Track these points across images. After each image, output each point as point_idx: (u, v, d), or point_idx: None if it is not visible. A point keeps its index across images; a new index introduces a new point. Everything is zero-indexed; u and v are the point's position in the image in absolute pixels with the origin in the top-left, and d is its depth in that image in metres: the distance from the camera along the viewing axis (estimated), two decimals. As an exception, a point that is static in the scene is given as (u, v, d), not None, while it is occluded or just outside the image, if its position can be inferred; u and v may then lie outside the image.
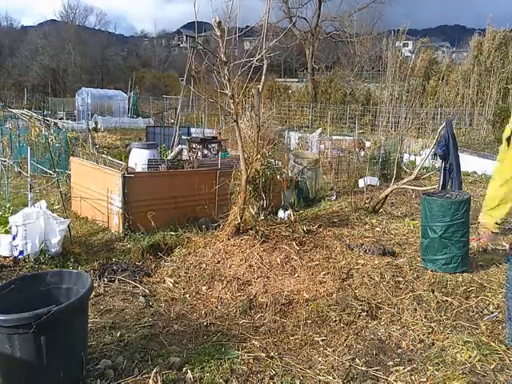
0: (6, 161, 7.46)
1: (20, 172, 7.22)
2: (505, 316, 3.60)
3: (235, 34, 4.89)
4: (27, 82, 35.13)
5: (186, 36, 66.30)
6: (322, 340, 3.47)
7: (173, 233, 5.68)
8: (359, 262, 4.74)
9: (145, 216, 5.88)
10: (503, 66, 21.54)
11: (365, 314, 3.79)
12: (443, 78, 23.78)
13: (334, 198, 8.35)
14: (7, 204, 5.48)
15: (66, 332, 2.49)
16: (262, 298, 4.02)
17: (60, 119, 21.27)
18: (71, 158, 7.81)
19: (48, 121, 14.08)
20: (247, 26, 6.46)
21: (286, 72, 47.71)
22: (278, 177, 5.88)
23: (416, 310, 3.83)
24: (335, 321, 3.70)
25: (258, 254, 4.71)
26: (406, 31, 26.50)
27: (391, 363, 3.11)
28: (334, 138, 14.34)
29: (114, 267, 4.75)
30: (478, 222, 5.26)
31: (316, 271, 4.54)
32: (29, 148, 6.38)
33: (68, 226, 5.07)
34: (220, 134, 11.13)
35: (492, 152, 15.00)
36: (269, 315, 3.87)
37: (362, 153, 12.56)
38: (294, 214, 6.01)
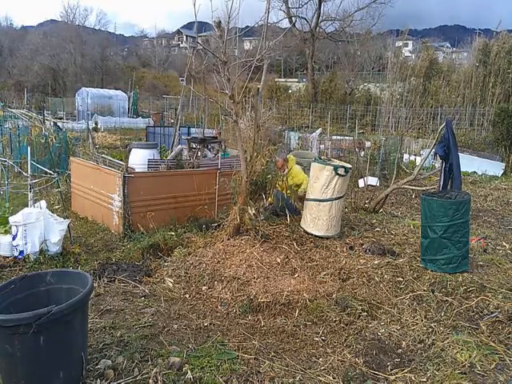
0: (6, 161, 7.46)
1: (20, 172, 7.21)
2: (505, 316, 3.60)
3: (235, 34, 4.88)
4: (27, 82, 35.12)
5: (186, 36, 66.35)
6: (322, 340, 3.47)
7: (173, 233, 5.68)
8: (359, 261, 4.73)
9: (145, 216, 5.88)
10: (508, 67, 21.31)
11: (365, 314, 3.80)
12: (444, 78, 23.74)
13: (334, 197, 8.32)
14: (7, 204, 5.47)
15: (66, 332, 2.48)
16: (261, 298, 4.02)
17: (60, 119, 21.27)
18: (71, 158, 7.82)
19: (48, 120, 14.08)
20: (247, 26, 6.46)
21: (286, 72, 47.69)
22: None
23: (416, 310, 3.84)
24: (335, 321, 3.71)
25: (258, 254, 4.70)
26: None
27: (391, 363, 3.11)
28: (334, 138, 14.34)
29: (114, 267, 4.75)
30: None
31: (316, 271, 4.54)
32: (29, 148, 6.39)
33: (68, 226, 5.07)
34: (220, 133, 11.12)
35: (492, 152, 15.01)
36: (269, 315, 3.87)
37: (362, 153, 12.57)
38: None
